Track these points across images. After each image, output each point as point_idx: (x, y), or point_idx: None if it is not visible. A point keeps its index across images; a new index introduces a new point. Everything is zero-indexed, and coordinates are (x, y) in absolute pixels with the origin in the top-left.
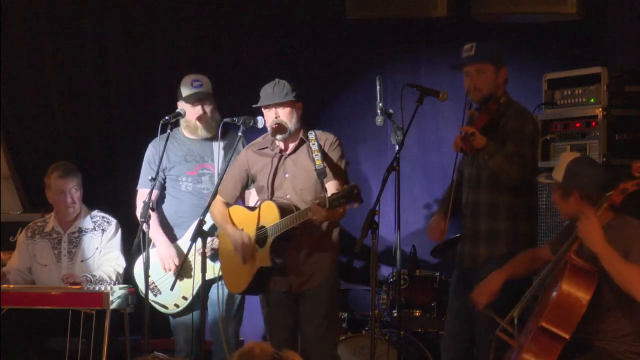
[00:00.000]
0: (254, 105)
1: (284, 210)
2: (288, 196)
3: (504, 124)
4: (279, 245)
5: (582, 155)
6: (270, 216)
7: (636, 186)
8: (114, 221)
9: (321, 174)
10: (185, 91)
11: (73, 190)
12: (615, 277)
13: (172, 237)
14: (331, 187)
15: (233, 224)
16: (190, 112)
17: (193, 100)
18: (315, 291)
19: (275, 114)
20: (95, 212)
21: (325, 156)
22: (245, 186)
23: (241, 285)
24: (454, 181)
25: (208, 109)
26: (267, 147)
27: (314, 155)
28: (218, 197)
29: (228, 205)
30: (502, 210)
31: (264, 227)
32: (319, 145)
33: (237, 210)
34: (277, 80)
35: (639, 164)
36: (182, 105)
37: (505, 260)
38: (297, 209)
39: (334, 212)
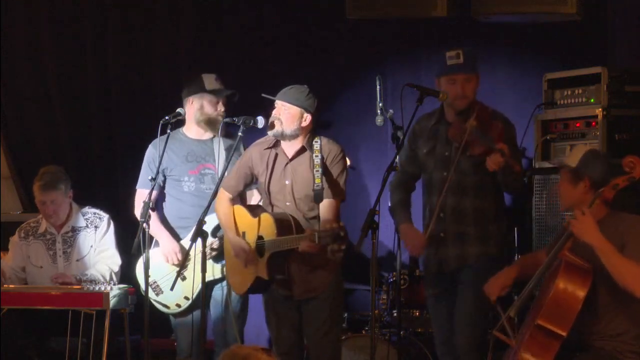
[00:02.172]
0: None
1: (282, 226)
2: (288, 203)
3: None
4: (276, 260)
5: (599, 150)
6: (268, 229)
7: (627, 181)
8: (105, 216)
9: (318, 196)
10: (210, 85)
11: (55, 202)
12: (611, 270)
13: (175, 238)
14: (325, 206)
15: (236, 225)
16: (209, 107)
17: (221, 95)
18: (318, 296)
19: (277, 111)
20: (86, 209)
21: (325, 171)
22: (249, 183)
23: (243, 287)
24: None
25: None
26: (270, 147)
27: (314, 170)
28: (223, 192)
29: (233, 201)
30: (489, 214)
31: (262, 237)
32: (322, 158)
33: (240, 211)
34: (305, 87)
35: (629, 159)
36: (200, 99)
37: (496, 259)
38: (295, 222)
39: (324, 247)
